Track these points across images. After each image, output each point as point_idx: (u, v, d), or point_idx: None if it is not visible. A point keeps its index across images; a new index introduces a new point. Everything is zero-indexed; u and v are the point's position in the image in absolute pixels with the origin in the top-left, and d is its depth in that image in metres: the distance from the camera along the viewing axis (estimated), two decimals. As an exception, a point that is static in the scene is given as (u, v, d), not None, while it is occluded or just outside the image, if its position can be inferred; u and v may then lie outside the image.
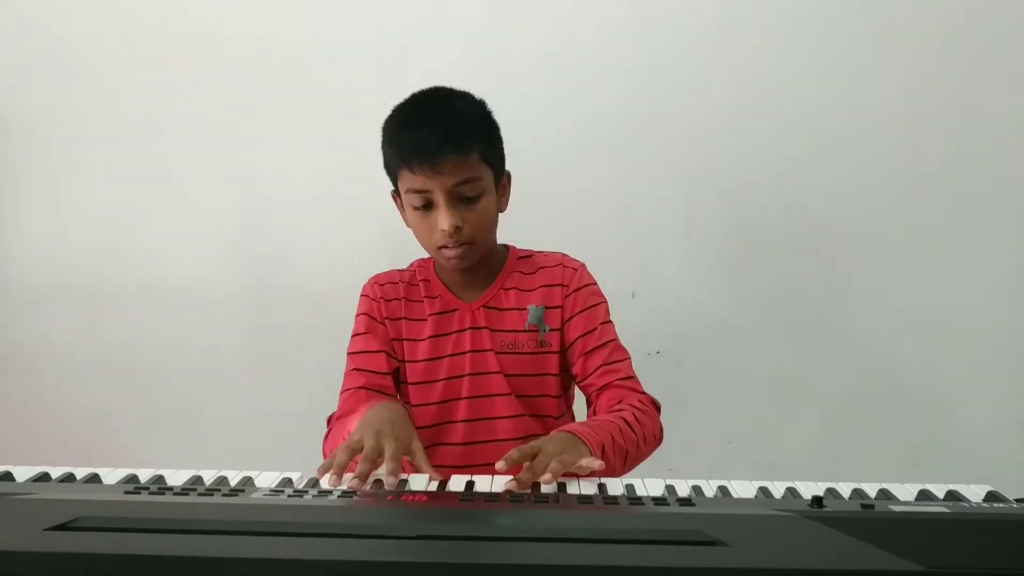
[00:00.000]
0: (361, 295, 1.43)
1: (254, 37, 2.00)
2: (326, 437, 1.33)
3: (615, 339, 1.38)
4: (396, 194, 1.37)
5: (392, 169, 1.33)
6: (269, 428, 2.01)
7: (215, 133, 2.01)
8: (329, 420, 1.36)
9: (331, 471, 1.03)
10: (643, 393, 1.33)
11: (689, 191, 1.97)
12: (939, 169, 1.95)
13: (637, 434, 1.22)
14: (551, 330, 1.37)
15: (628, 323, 1.45)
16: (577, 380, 1.39)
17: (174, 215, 2.04)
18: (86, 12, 2.01)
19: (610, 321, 1.40)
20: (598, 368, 1.35)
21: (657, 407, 1.33)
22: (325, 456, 1.24)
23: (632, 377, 1.36)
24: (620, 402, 1.30)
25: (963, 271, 1.96)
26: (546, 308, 1.37)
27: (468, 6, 1.97)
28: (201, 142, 2.02)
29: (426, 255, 1.42)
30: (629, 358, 1.38)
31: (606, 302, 1.41)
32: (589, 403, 1.39)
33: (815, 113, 1.95)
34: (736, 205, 1.98)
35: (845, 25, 1.94)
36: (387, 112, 1.95)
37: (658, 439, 1.30)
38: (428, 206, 1.28)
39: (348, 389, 1.37)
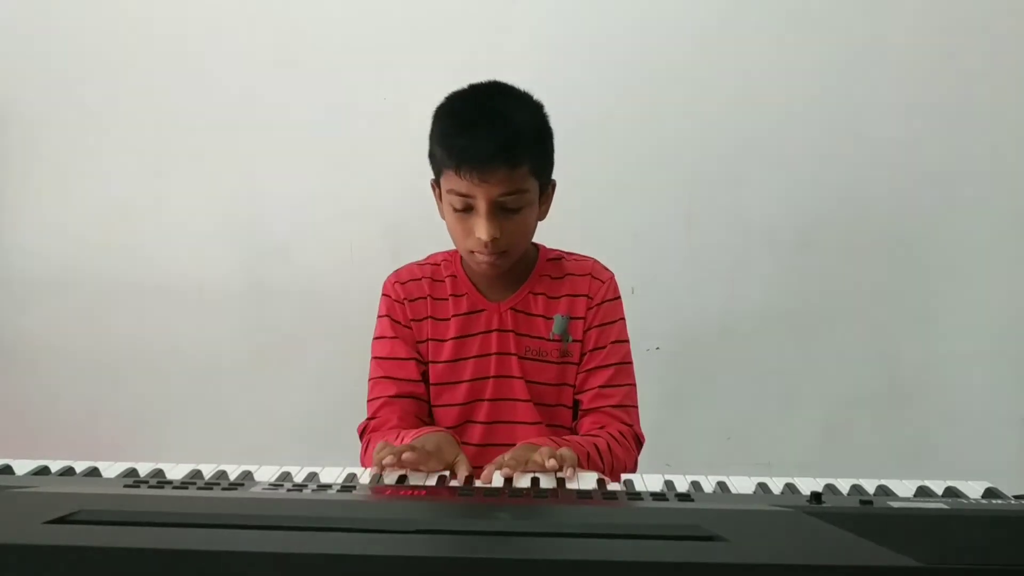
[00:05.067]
0: (383, 294, 1.39)
1: (256, 33, 1.99)
2: (364, 452, 1.31)
3: (623, 362, 1.36)
4: (436, 184, 1.32)
5: (437, 164, 1.29)
6: (269, 423, 2.02)
7: (216, 129, 2.01)
8: (361, 433, 1.33)
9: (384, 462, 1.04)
10: (629, 425, 1.31)
11: (689, 187, 1.97)
12: (940, 167, 1.95)
13: (605, 463, 1.21)
14: (574, 341, 1.35)
15: (627, 319, 1.45)
16: (574, 391, 1.37)
17: (174, 211, 2.03)
18: (87, 7, 2.01)
19: (624, 341, 1.38)
20: (593, 389, 1.33)
21: (639, 443, 1.32)
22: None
23: (626, 406, 1.33)
24: (601, 428, 1.29)
25: (962, 268, 1.96)
26: (571, 318, 1.35)
27: (467, 3, 1.97)
28: (202, 138, 2.02)
29: (446, 248, 1.41)
30: (631, 385, 1.36)
31: (624, 320, 1.39)
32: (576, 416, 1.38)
33: (816, 110, 1.94)
34: (736, 202, 1.98)
35: (847, 23, 1.93)
36: (387, 109, 1.98)
37: (629, 472, 1.27)
38: (468, 210, 1.24)
39: (379, 398, 1.33)
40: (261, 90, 2.00)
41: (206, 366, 2.04)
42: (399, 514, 0.81)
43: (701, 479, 1.01)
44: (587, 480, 1.05)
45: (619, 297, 1.40)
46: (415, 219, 1.94)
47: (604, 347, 1.35)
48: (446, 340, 1.35)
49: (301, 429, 2.01)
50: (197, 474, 1.03)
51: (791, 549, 0.70)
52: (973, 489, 0.96)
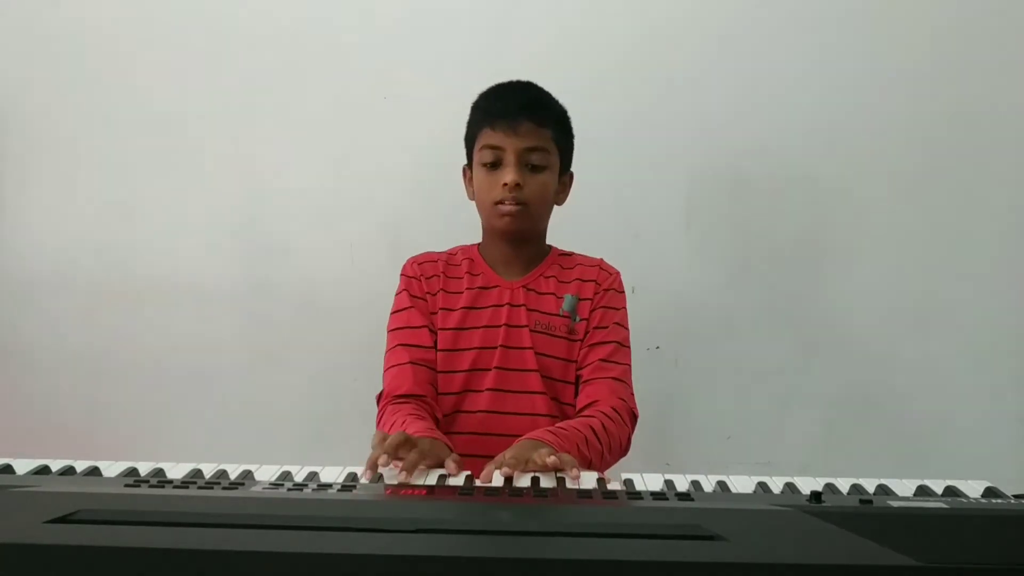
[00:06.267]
0: (401, 275, 1.48)
1: (256, 31, 1.99)
2: (379, 419, 1.36)
3: (622, 343, 1.43)
4: (468, 167, 1.46)
5: (472, 132, 1.43)
6: (269, 422, 2.02)
7: (216, 127, 2.01)
8: (378, 399, 1.40)
9: (376, 465, 1.06)
10: (623, 400, 1.36)
11: (689, 186, 1.97)
12: (939, 166, 1.95)
13: (603, 443, 1.25)
14: (581, 320, 1.43)
15: (628, 318, 1.46)
16: (577, 367, 1.42)
17: (174, 209, 2.03)
18: (87, 6, 2.01)
19: (625, 328, 1.45)
20: (594, 362, 1.40)
21: (633, 418, 1.37)
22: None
23: (622, 381, 1.39)
24: (594, 403, 1.34)
25: (962, 267, 1.96)
26: (579, 299, 1.44)
27: (468, 2, 1.97)
28: (202, 136, 2.02)
29: (466, 243, 1.50)
30: (627, 365, 1.43)
31: (626, 310, 1.47)
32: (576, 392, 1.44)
33: (815, 109, 1.95)
34: (736, 201, 1.98)
35: (845, 22, 1.93)
36: (387, 107, 1.98)
37: (624, 449, 1.34)
38: (497, 164, 1.38)
39: (394, 365, 1.40)
40: (261, 90, 2.00)
41: (206, 366, 2.04)
42: (399, 514, 0.81)
43: (701, 479, 1.01)
44: (587, 480, 1.05)
45: (624, 293, 1.48)
46: (415, 218, 1.96)
47: (607, 327, 1.43)
48: (456, 309, 1.43)
49: (301, 429, 2.01)
50: (197, 474, 1.03)
51: (791, 549, 0.70)
52: (973, 489, 0.96)
